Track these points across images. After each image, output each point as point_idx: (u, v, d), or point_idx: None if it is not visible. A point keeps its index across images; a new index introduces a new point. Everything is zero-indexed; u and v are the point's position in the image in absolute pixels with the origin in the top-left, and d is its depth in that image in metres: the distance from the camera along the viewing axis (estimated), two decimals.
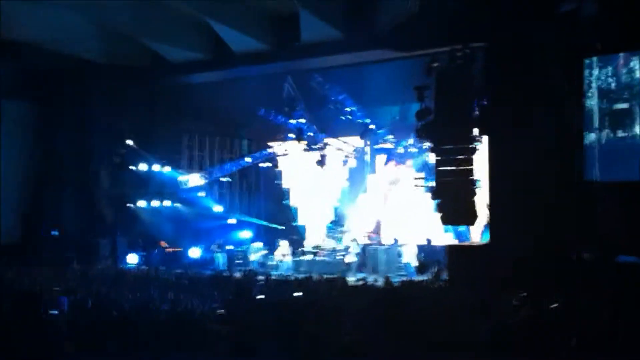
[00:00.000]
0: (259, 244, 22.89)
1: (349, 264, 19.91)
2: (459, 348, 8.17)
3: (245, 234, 24.21)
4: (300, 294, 12.30)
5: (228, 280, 16.36)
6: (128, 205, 22.39)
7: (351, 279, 16.87)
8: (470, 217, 16.37)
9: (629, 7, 14.15)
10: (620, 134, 15.76)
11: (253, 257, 22.14)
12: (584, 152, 15.28)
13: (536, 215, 14.40)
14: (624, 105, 15.63)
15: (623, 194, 14.00)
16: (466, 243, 18.48)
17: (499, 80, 16.09)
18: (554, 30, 14.85)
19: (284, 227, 24.69)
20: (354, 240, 21.05)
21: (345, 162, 23.98)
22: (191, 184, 23.82)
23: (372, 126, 22.75)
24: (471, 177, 16.12)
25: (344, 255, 20.50)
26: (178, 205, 23.53)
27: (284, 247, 21.72)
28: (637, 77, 15.47)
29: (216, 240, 22.78)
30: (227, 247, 22.66)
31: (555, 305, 9.93)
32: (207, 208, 24.12)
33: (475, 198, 16.13)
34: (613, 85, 15.84)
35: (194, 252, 22.58)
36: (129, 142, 22.19)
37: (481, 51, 16.52)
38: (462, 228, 19.22)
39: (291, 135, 23.87)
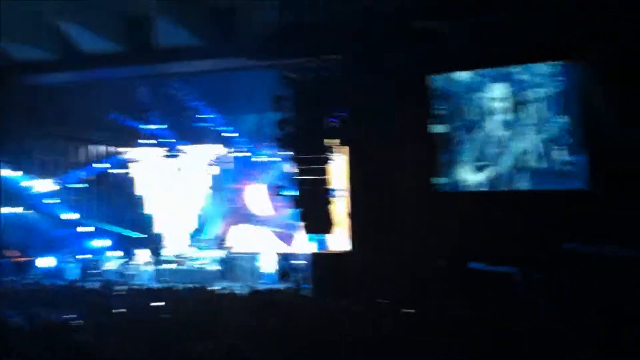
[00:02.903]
0: (116, 253, 22.30)
1: (211, 273, 19.91)
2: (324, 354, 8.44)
3: (101, 243, 23.44)
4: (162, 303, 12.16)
5: (84, 291, 15.81)
6: None
7: (215, 288, 16.88)
8: (326, 226, 16.96)
9: (476, 28, 14.99)
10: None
11: (109, 265, 21.53)
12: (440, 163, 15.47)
13: (395, 223, 15.16)
14: (439, 129, 15.13)
15: (473, 203, 14.98)
16: (328, 251, 19.02)
17: (355, 92, 16.74)
18: (405, 45, 15.57)
19: (141, 235, 24.12)
20: (217, 248, 21.07)
21: (206, 169, 23.83)
22: (41, 190, 22.71)
23: (232, 134, 22.84)
24: (326, 187, 16.70)
25: (206, 264, 20.44)
26: (29, 211, 22.35)
27: (142, 256, 21.31)
28: (466, 80, 14.95)
29: (70, 248, 21.90)
30: (82, 256, 21.85)
31: (411, 311, 10.58)
32: (60, 215, 23.10)
33: (331, 207, 16.73)
34: None
35: (45, 261, 21.55)
36: None
37: (338, 63, 17.10)
38: (325, 237, 19.79)
39: (147, 141, 23.47)
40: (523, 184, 14.15)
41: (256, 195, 23.12)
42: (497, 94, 14.68)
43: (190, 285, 16.12)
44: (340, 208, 16.83)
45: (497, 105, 14.71)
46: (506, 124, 14.43)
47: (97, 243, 23.27)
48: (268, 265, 20.01)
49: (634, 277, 10.77)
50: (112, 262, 21.65)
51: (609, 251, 11.71)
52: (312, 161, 16.71)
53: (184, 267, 20.91)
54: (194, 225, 23.82)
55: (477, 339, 8.25)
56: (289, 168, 17.96)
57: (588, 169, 13.10)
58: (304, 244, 20.33)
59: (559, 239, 12.67)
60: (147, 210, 24.92)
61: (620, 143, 11.80)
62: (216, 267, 20.23)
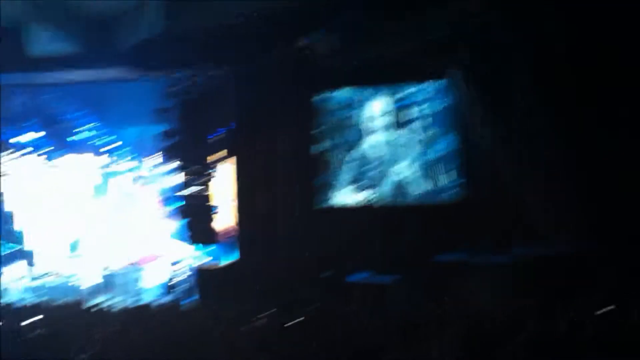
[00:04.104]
0: None
1: (88, 288, 19.20)
2: None
3: None
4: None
5: None
6: None
7: (90, 303, 16.25)
8: (214, 237, 16.91)
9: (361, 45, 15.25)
10: None
11: None
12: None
13: (279, 235, 15.32)
14: (320, 147, 15.64)
15: (347, 219, 15.31)
16: (215, 262, 18.84)
17: (242, 105, 16.85)
18: (292, 61, 15.81)
19: (10, 250, 22.80)
20: (94, 262, 20.31)
21: (84, 181, 22.93)
22: None
23: (113, 145, 22.21)
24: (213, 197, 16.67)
25: (81, 279, 19.69)
26: None
27: (12, 271, 20.22)
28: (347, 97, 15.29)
29: None
30: None
31: (294, 321, 10.66)
32: None
33: (218, 217, 16.70)
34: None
35: None
36: None
37: (225, 76, 17.14)
38: (212, 247, 19.57)
39: (21, 151, 22.38)
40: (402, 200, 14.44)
41: (139, 207, 22.50)
42: (378, 111, 14.86)
43: (61, 302, 15.39)
44: (229, 218, 16.84)
45: (378, 123, 14.92)
46: (387, 144, 14.68)
47: None
48: (152, 278, 19.54)
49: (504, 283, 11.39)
50: None
51: (478, 259, 12.33)
52: (197, 172, 16.65)
53: (58, 283, 20.04)
54: (71, 238, 22.81)
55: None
56: (175, 179, 17.77)
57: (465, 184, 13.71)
58: (190, 255, 20.05)
59: (432, 250, 13.23)
60: (18, 224, 23.63)
61: (494, 158, 12.48)
62: (94, 281, 19.52)
